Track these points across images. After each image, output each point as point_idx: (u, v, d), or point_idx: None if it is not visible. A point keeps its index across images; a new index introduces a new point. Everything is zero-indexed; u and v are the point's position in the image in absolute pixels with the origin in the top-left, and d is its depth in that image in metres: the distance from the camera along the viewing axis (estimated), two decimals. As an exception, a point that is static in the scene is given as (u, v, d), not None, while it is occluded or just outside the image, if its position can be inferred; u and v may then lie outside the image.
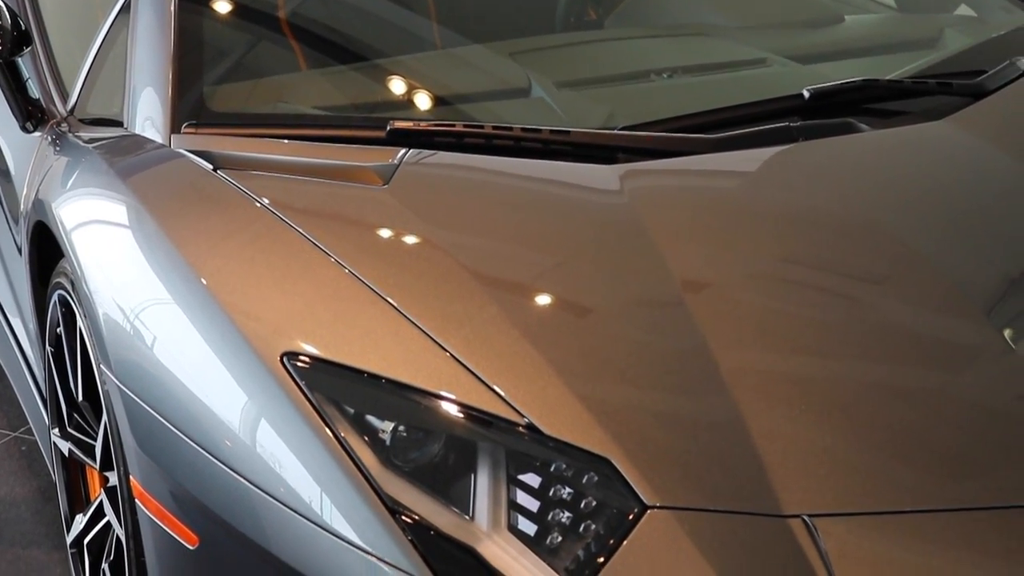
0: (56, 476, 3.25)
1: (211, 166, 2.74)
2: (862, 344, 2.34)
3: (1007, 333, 2.35)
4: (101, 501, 2.82)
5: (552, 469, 2.05)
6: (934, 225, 2.69)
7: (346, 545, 2.03)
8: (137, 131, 3.03)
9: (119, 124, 3.13)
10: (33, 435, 3.80)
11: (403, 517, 2.01)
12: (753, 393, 2.17)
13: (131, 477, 2.44)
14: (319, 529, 2.06)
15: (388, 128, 2.84)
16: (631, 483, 2.01)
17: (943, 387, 2.29)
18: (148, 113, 3.02)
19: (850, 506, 2.03)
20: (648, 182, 2.76)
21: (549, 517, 2.01)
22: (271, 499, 2.12)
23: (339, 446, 2.08)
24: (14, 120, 3.51)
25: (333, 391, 2.14)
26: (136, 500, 2.43)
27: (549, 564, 1.96)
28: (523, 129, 2.85)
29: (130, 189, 2.76)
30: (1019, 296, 2.52)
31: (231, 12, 3.42)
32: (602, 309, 2.38)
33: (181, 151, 2.86)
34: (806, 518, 2.00)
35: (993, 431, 2.19)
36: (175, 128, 2.94)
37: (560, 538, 1.99)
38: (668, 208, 2.69)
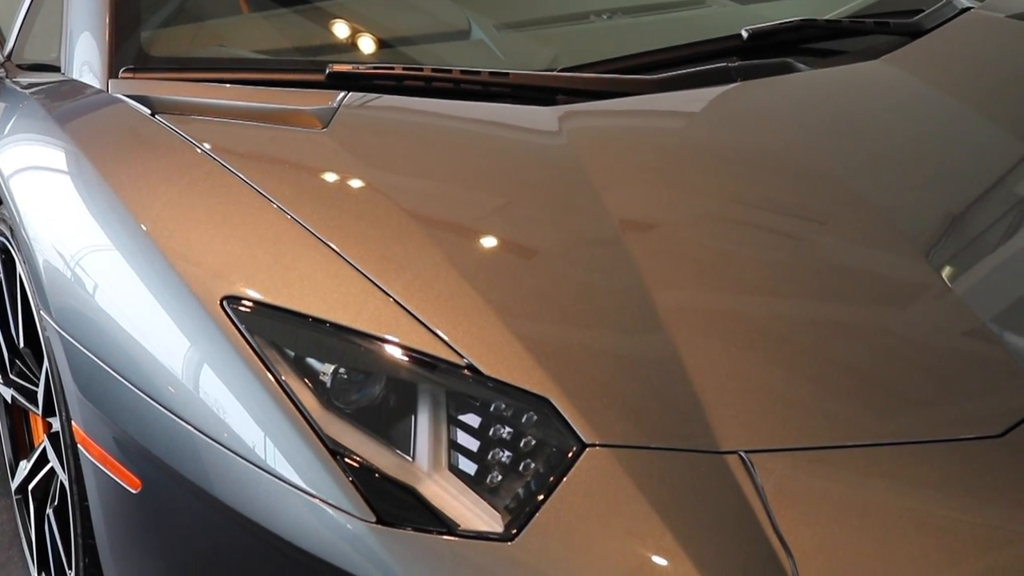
0: None
1: (149, 111, 2.72)
2: (800, 282, 2.36)
3: (945, 272, 2.37)
4: (44, 447, 2.82)
5: (492, 409, 2.06)
6: (872, 164, 2.70)
7: (288, 487, 2.03)
8: (75, 76, 3.01)
9: (56, 69, 3.11)
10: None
11: (344, 459, 2.02)
12: (690, 330, 2.19)
13: (73, 423, 2.44)
14: (261, 472, 2.07)
15: (327, 71, 2.83)
16: (570, 422, 2.03)
17: (880, 324, 2.31)
18: (85, 58, 3.00)
19: (787, 442, 2.05)
20: (587, 123, 2.77)
21: (489, 456, 2.03)
22: (213, 442, 2.13)
23: (280, 389, 2.08)
24: (-50, 66, 3.49)
25: (274, 334, 2.15)
26: (79, 445, 2.43)
27: (489, 503, 1.98)
28: (462, 71, 2.85)
29: (68, 135, 2.75)
30: (957, 235, 2.54)
31: (169, -45, 3.38)
32: (541, 250, 2.39)
33: (119, 96, 2.84)
34: (743, 454, 2.02)
35: (928, 367, 2.22)
36: (113, 73, 2.92)
37: (500, 477, 2.01)
38: (606, 149, 2.70)
